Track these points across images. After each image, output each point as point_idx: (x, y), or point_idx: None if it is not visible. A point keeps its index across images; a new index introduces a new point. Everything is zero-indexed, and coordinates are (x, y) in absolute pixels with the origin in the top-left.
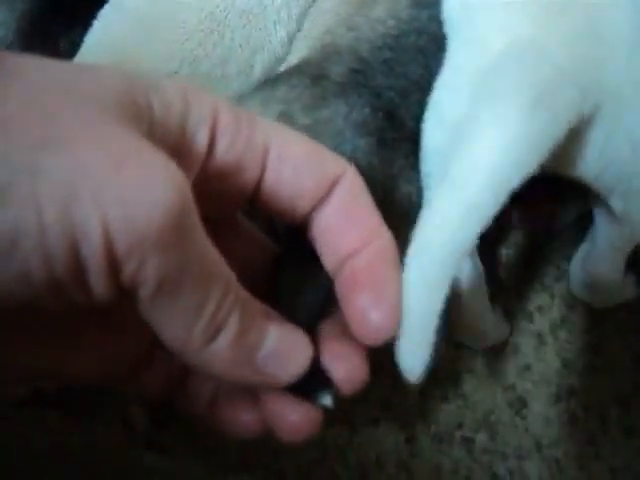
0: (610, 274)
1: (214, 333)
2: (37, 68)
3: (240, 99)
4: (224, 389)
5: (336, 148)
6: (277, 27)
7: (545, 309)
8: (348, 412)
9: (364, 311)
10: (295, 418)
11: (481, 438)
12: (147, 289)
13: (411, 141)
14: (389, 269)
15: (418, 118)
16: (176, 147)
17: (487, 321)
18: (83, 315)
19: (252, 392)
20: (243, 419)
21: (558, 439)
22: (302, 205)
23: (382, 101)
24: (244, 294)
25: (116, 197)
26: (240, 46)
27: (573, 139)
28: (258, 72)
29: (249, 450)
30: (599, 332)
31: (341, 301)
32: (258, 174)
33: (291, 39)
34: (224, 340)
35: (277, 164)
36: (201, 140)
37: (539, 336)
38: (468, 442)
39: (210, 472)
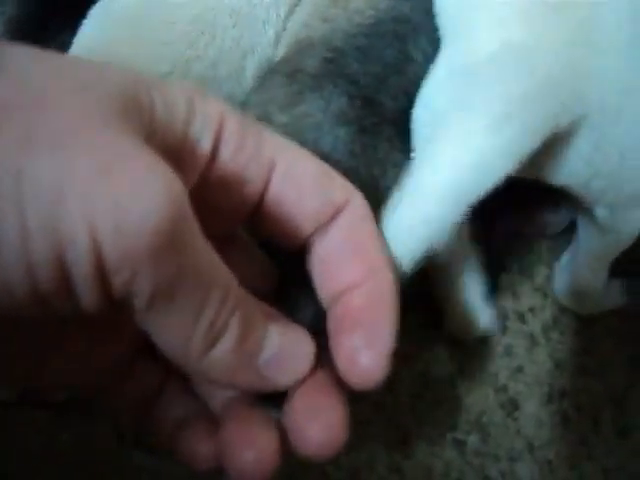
0: (593, 282)
1: (214, 340)
2: (34, 59)
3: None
4: (187, 419)
5: (317, 141)
6: (266, 27)
7: (537, 310)
8: None
9: (354, 352)
10: (248, 458)
11: (473, 440)
12: (141, 299)
13: (394, 124)
14: (385, 311)
15: (398, 100)
16: (177, 149)
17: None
18: (63, 323)
19: (213, 426)
20: (200, 451)
21: (550, 440)
22: (303, 227)
23: (359, 87)
24: (244, 296)
25: (106, 205)
26: (230, 48)
27: (556, 148)
28: (249, 74)
29: None
30: (591, 333)
31: (331, 336)
32: (261, 188)
33: (279, 39)
34: (225, 346)
35: (282, 181)
36: (205, 144)
37: (531, 337)
38: (460, 444)
39: (194, 472)
